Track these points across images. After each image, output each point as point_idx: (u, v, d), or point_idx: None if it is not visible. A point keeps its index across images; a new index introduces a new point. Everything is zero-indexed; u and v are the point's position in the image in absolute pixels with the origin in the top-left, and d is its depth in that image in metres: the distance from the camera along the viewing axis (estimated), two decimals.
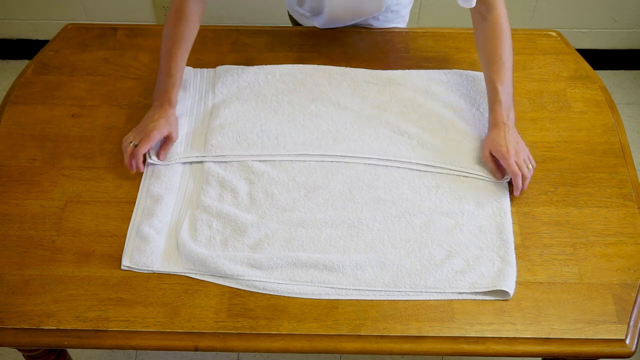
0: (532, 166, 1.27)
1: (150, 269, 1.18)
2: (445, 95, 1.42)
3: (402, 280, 1.16)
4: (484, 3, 1.31)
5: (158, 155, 1.31)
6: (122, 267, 1.19)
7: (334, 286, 1.16)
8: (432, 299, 1.15)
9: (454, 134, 1.35)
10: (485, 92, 1.38)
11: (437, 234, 1.22)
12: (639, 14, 2.32)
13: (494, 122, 1.29)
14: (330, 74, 1.45)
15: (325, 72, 1.45)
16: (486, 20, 1.32)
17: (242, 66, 1.46)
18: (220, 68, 1.47)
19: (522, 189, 1.26)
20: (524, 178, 1.25)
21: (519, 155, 1.26)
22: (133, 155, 1.26)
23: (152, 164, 1.30)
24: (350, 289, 1.16)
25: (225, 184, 1.28)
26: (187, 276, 1.18)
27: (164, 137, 1.31)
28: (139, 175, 1.30)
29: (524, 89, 1.45)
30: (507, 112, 1.29)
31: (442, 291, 1.16)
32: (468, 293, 1.16)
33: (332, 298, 1.16)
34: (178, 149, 1.33)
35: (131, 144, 1.27)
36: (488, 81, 1.32)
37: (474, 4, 1.30)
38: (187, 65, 1.45)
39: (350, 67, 1.47)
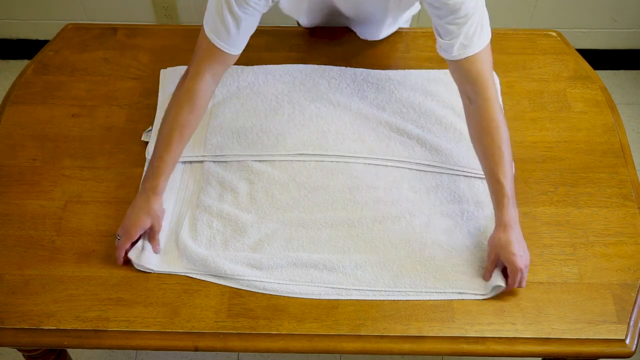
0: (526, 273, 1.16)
1: (150, 268, 1.18)
2: (445, 95, 1.41)
3: (402, 281, 1.16)
4: (468, 76, 1.19)
5: (153, 246, 1.21)
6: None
7: (334, 286, 1.16)
8: (432, 298, 1.15)
9: (453, 134, 1.35)
10: None
11: (437, 234, 1.22)
12: (639, 14, 2.32)
13: (502, 221, 1.15)
14: (330, 73, 1.45)
15: (324, 72, 1.45)
16: (474, 104, 1.19)
17: (241, 66, 1.46)
18: None
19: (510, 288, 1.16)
20: (519, 283, 1.15)
21: (526, 268, 1.15)
22: (119, 250, 1.19)
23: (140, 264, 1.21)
24: (350, 289, 1.16)
25: (225, 183, 1.28)
26: (187, 276, 1.18)
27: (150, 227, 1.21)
28: (139, 175, 1.29)
29: (524, 89, 1.45)
30: (515, 211, 1.16)
31: (442, 291, 1.16)
32: (468, 293, 1.16)
33: (332, 298, 1.15)
34: None
35: (117, 238, 1.20)
36: (489, 175, 1.18)
37: (454, 58, 1.17)
38: (187, 65, 1.45)
39: (350, 67, 1.47)
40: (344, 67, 1.46)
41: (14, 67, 2.48)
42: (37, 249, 1.21)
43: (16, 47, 2.48)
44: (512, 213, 1.16)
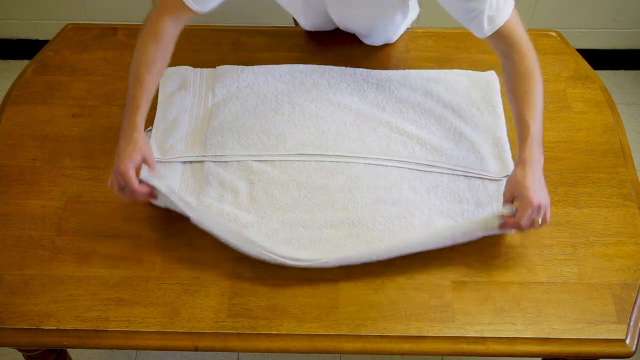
0: (546, 221, 1.14)
1: (169, 185, 1.18)
2: (445, 95, 1.41)
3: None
4: (504, 41, 1.21)
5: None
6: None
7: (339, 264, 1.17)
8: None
9: (453, 134, 1.35)
10: (485, 92, 1.38)
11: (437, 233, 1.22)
12: (639, 14, 2.32)
13: (523, 159, 1.14)
14: (330, 74, 1.45)
15: (324, 71, 1.45)
16: (509, 58, 1.22)
17: (241, 66, 1.46)
18: (220, 68, 1.47)
19: (514, 227, 1.15)
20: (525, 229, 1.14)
21: (540, 211, 1.12)
22: (133, 197, 1.17)
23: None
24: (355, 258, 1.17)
25: (225, 184, 1.28)
26: (187, 276, 1.18)
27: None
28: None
29: None
30: (539, 152, 1.15)
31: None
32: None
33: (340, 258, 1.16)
34: (178, 148, 1.33)
35: (121, 191, 1.16)
36: (517, 117, 1.19)
37: (487, 34, 1.20)
38: (187, 65, 1.45)
39: (350, 66, 1.47)
40: (344, 67, 1.46)
41: (14, 67, 2.48)
42: (37, 249, 1.21)
43: (16, 47, 2.48)
44: (536, 153, 1.14)
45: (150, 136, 1.33)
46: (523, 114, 1.17)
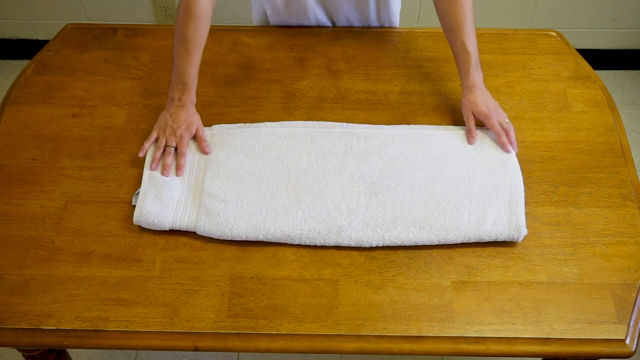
0: (508, 120, 1.35)
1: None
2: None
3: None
4: None
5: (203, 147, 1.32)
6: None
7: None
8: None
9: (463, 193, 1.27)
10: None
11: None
12: (639, 14, 2.32)
13: (469, 85, 1.35)
14: (328, 137, 1.33)
15: (325, 135, 1.34)
16: None
17: (233, 126, 1.36)
18: (210, 130, 1.35)
19: (511, 143, 1.32)
20: (507, 133, 1.32)
21: (499, 113, 1.34)
22: (180, 157, 1.29)
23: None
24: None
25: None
26: (187, 276, 1.18)
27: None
28: (139, 175, 1.29)
29: (524, 89, 1.45)
30: (480, 75, 1.36)
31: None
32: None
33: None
34: (169, 211, 1.24)
35: (169, 147, 1.29)
36: (456, 45, 1.35)
37: None
38: None
39: (350, 66, 1.47)
40: (345, 128, 1.35)
41: (14, 67, 2.49)
42: (37, 249, 1.21)
43: (16, 47, 2.48)
44: (478, 78, 1.35)
45: (137, 199, 1.25)
46: (462, 41, 1.34)
